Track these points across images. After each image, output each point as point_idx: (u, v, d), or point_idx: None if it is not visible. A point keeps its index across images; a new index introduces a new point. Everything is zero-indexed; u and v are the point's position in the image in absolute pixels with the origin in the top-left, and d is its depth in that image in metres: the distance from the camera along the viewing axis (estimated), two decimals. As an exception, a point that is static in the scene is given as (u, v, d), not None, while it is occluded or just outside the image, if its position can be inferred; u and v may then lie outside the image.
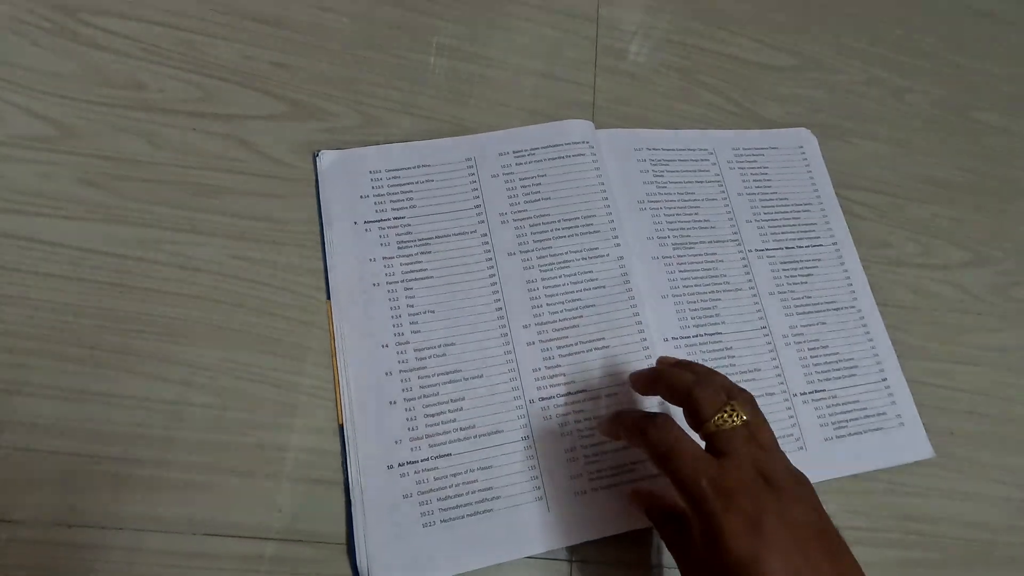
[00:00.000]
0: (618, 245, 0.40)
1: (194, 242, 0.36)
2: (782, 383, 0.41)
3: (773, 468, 0.27)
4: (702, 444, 0.29)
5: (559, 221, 0.40)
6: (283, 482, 0.33)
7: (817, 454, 0.39)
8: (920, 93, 0.55)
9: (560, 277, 0.39)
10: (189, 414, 0.33)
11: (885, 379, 0.42)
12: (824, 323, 0.43)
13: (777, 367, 0.41)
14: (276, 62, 0.42)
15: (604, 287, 0.39)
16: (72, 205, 0.35)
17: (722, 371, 0.39)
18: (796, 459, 0.38)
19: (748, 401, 0.29)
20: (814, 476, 0.38)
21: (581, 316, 0.38)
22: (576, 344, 0.38)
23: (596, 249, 0.40)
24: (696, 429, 0.29)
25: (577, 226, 0.40)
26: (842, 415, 0.41)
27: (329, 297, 0.37)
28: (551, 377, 0.37)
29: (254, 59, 0.41)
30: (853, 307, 0.44)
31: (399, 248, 0.38)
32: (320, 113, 0.41)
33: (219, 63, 0.40)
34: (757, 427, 0.28)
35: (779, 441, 0.38)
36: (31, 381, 0.32)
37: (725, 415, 0.28)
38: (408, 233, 0.39)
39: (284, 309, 0.36)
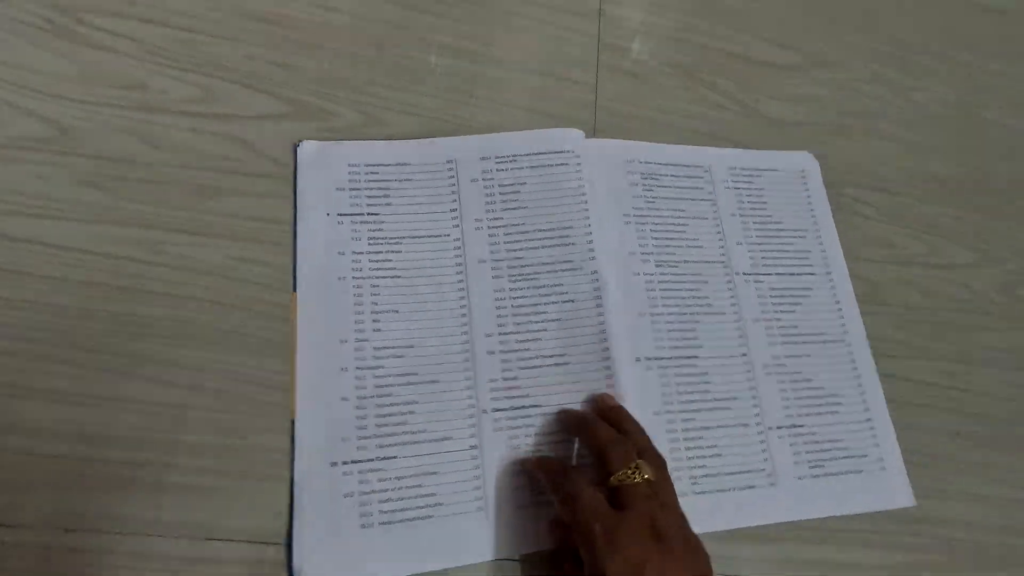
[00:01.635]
0: (593, 259, 0.39)
1: (195, 243, 0.36)
2: (758, 414, 0.39)
3: (666, 525, 0.29)
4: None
5: (533, 231, 0.39)
6: (284, 485, 0.33)
7: (788, 492, 0.37)
8: (926, 91, 0.54)
9: (528, 289, 0.38)
10: (191, 417, 0.33)
11: (870, 419, 0.40)
12: (809, 355, 0.41)
13: (755, 397, 0.39)
14: (277, 61, 0.42)
15: (573, 301, 0.38)
16: (71, 206, 0.35)
17: (696, 397, 0.38)
18: (765, 496, 0.37)
19: (656, 462, 0.32)
20: (782, 515, 0.37)
21: (545, 330, 0.38)
22: (536, 358, 0.37)
23: (570, 262, 0.39)
24: (602, 482, 0.30)
25: (552, 237, 0.39)
26: (820, 453, 0.39)
27: (295, 288, 0.37)
28: (507, 389, 0.36)
29: (255, 58, 0.41)
30: (842, 341, 0.42)
31: (370, 244, 0.38)
32: (321, 113, 0.41)
33: (219, 63, 0.40)
34: (660, 487, 0.31)
35: (748, 475, 0.37)
36: (32, 385, 0.32)
37: (629, 472, 0.30)
38: (380, 230, 0.38)
39: (286, 311, 0.36)
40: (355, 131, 0.41)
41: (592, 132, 0.44)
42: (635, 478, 0.30)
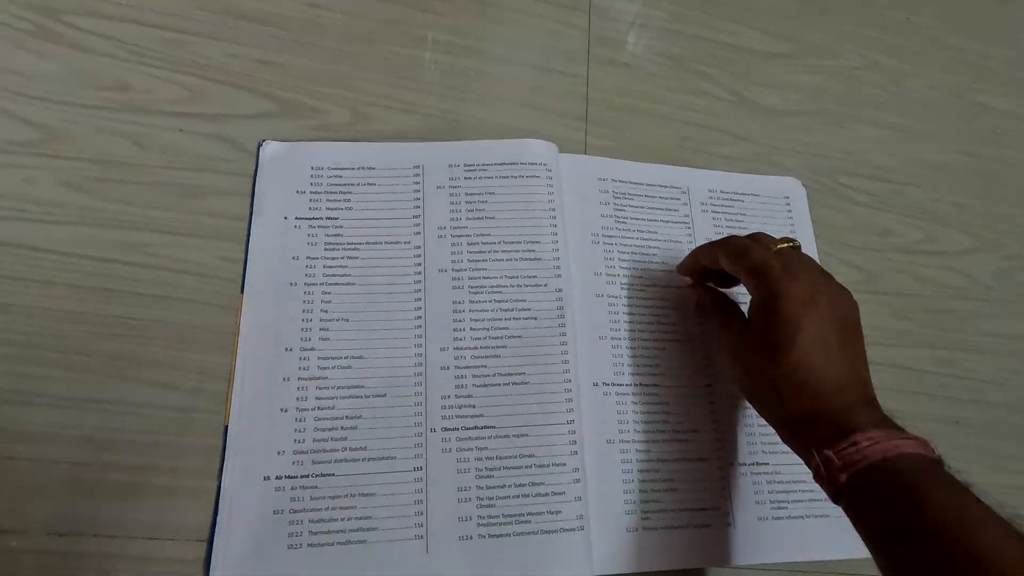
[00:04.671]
0: (559, 276, 0.38)
1: (183, 244, 0.35)
2: (719, 449, 0.37)
3: (827, 272, 0.32)
4: None
5: (499, 243, 0.38)
6: None
7: (746, 534, 0.36)
8: (920, 77, 0.54)
9: (490, 302, 0.37)
10: (197, 420, 0.32)
11: (840, 461, 0.38)
12: (780, 390, 0.39)
13: (717, 431, 0.37)
14: (264, 60, 0.41)
15: (536, 319, 0.37)
16: (57, 209, 0.35)
17: (654, 427, 0.37)
18: (722, 536, 0.35)
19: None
20: (739, 558, 0.35)
21: (505, 346, 0.36)
22: (494, 375, 0.35)
23: (534, 277, 0.37)
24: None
25: (518, 250, 0.38)
26: (783, 494, 0.37)
27: (243, 291, 0.35)
28: (459, 407, 0.34)
29: (241, 57, 0.40)
30: (816, 377, 0.40)
31: (326, 249, 0.36)
32: (308, 111, 0.40)
33: (205, 62, 0.40)
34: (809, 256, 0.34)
35: (704, 513, 0.36)
36: (30, 390, 0.31)
37: (786, 243, 0.33)
38: (338, 235, 0.37)
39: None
40: (345, 129, 0.40)
41: (584, 125, 0.44)
42: (793, 244, 0.33)
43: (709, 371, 0.39)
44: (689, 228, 0.42)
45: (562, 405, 0.35)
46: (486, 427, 0.34)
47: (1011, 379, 0.45)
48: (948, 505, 0.24)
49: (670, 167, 0.44)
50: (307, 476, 0.32)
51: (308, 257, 0.36)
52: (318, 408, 0.33)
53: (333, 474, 0.32)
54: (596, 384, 0.36)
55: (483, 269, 0.37)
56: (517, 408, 0.35)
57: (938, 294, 0.46)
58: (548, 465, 0.34)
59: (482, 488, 0.33)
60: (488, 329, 0.36)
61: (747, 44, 0.51)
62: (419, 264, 0.37)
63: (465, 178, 0.39)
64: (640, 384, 0.37)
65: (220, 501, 0.31)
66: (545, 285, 0.37)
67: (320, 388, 0.34)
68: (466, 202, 0.39)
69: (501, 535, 0.32)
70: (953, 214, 0.49)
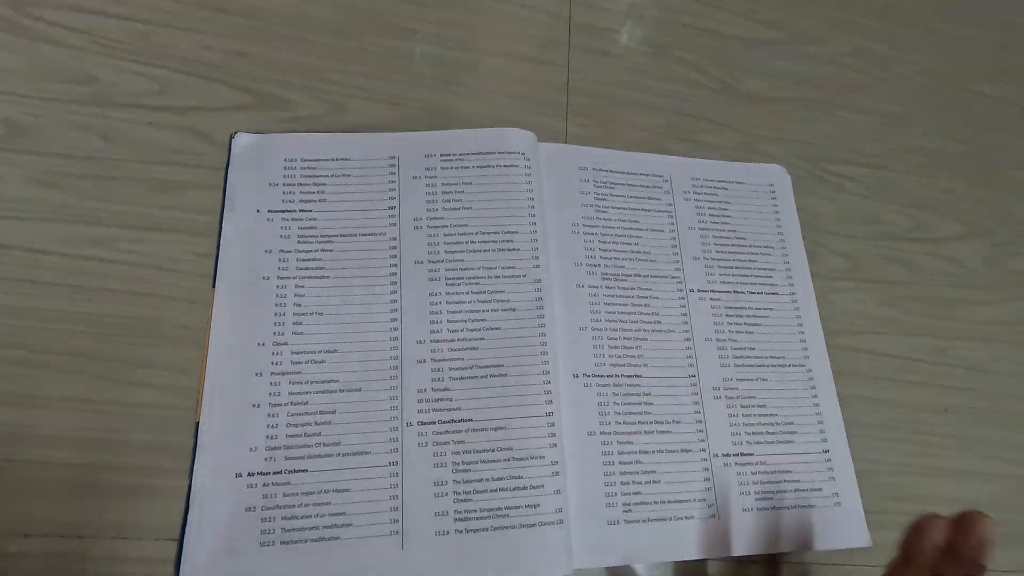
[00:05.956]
0: (537, 267, 0.37)
1: (153, 239, 0.35)
2: (702, 440, 0.36)
3: None
4: None
5: (476, 234, 0.37)
6: None
7: (731, 525, 0.35)
8: (908, 63, 0.54)
9: (467, 293, 0.36)
10: (169, 417, 0.32)
11: (827, 451, 0.38)
12: (765, 379, 0.39)
13: (700, 422, 0.37)
14: (236, 51, 0.40)
15: (514, 310, 0.36)
16: (24, 205, 0.34)
17: (635, 419, 0.36)
18: (705, 528, 0.35)
19: None
20: (723, 550, 0.35)
21: (482, 338, 0.35)
22: (471, 368, 0.35)
23: (512, 268, 0.37)
24: None
25: (496, 241, 0.37)
26: (768, 484, 0.36)
27: (215, 285, 0.34)
28: (436, 400, 0.34)
29: (212, 49, 0.40)
30: (803, 366, 0.40)
31: (299, 242, 0.36)
32: (282, 103, 0.39)
33: (175, 54, 0.39)
34: None
35: (687, 505, 0.35)
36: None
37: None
38: (312, 228, 0.36)
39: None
40: (319, 121, 0.40)
41: (564, 114, 0.44)
42: None
43: (692, 361, 0.38)
44: (671, 217, 0.41)
45: (541, 397, 0.34)
46: (463, 420, 0.34)
47: (1001, 366, 0.44)
48: None
49: (652, 155, 0.43)
50: (280, 472, 0.31)
51: (281, 250, 0.36)
52: (291, 403, 0.32)
53: (307, 470, 0.31)
54: (577, 375, 0.36)
55: (460, 260, 0.37)
56: (495, 401, 0.34)
57: (927, 281, 0.46)
58: (526, 458, 0.33)
59: (459, 482, 0.32)
60: (465, 321, 0.35)
61: (731, 31, 0.50)
62: (395, 256, 0.36)
63: (442, 168, 0.39)
64: (621, 375, 0.36)
65: (191, 499, 0.30)
66: (524, 276, 0.37)
67: (293, 383, 0.33)
68: (443, 193, 0.38)
69: (479, 530, 0.31)
70: (942, 201, 0.49)
